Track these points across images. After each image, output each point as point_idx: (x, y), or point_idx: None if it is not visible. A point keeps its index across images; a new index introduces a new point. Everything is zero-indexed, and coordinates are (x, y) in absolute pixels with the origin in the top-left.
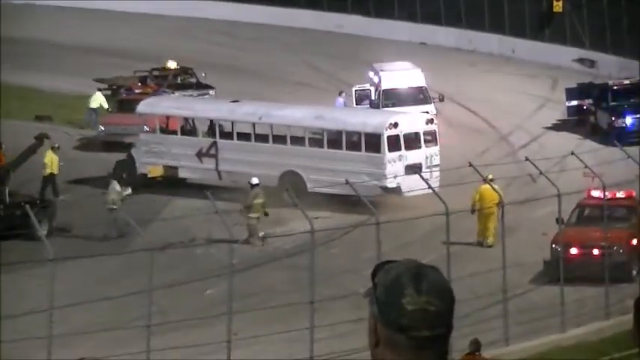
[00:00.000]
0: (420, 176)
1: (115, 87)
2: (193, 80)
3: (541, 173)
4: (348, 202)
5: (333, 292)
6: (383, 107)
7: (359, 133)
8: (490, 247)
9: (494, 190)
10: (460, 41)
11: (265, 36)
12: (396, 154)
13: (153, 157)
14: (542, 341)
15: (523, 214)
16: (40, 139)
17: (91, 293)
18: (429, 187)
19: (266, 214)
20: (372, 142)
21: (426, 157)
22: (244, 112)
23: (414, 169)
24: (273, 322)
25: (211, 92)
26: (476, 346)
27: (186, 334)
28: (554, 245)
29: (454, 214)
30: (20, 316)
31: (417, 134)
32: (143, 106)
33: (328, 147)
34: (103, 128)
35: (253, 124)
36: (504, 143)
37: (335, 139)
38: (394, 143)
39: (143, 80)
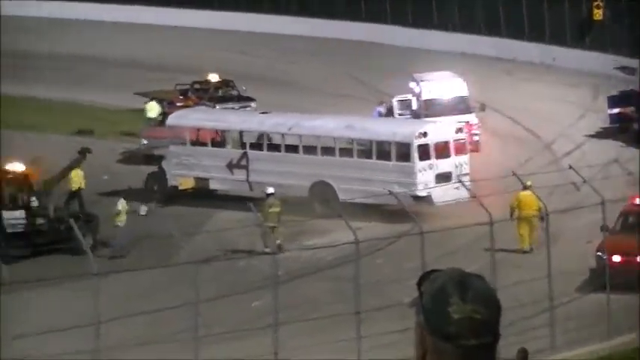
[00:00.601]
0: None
1: (156, 100)
2: (234, 93)
3: (584, 181)
4: (387, 211)
5: (379, 303)
6: (424, 117)
7: (389, 143)
8: (528, 252)
9: (535, 194)
10: (500, 50)
11: (306, 48)
12: (426, 162)
13: (183, 169)
14: (589, 349)
15: (567, 222)
16: (83, 153)
17: (135, 306)
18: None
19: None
20: (403, 151)
21: (456, 166)
22: (274, 123)
23: (443, 177)
24: (319, 333)
25: (252, 104)
26: (523, 354)
27: (232, 346)
28: (598, 253)
29: (497, 222)
30: (67, 330)
31: (446, 143)
32: (173, 119)
33: (358, 157)
34: (145, 141)
35: (283, 135)
36: (547, 152)
37: (365, 149)
38: (424, 152)
39: (184, 93)
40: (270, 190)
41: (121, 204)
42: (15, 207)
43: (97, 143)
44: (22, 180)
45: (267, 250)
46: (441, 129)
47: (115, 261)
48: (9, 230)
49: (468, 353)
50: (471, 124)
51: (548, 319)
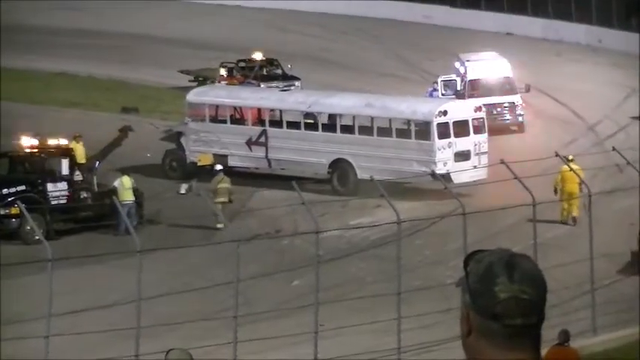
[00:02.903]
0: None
1: (200, 79)
2: (279, 72)
3: (628, 163)
4: (421, 191)
5: (420, 283)
6: (468, 97)
7: (409, 121)
8: (575, 219)
9: (573, 170)
10: (546, 31)
11: (353, 27)
12: (445, 141)
13: (202, 145)
14: (630, 331)
15: (610, 204)
16: (125, 131)
17: (177, 284)
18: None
19: (230, 201)
20: (422, 129)
21: (475, 144)
22: (294, 101)
23: (462, 156)
24: (360, 313)
25: (297, 84)
26: (565, 336)
27: (272, 325)
28: None
29: (541, 204)
30: (109, 307)
31: (465, 121)
32: (193, 95)
33: (378, 134)
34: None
35: (302, 113)
36: (591, 133)
37: (385, 127)
38: (443, 131)
39: (229, 72)
40: (219, 167)
41: (123, 180)
42: (57, 179)
43: (141, 121)
44: (64, 154)
45: (219, 226)
46: (460, 107)
47: (159, 239)
48: (53, 202)
49: (513, 332)
50: (515, 105)
51: (589, 301)
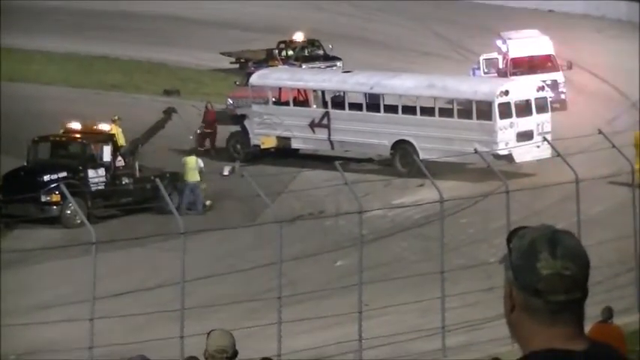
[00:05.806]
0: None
1: (242, 60)
2: (320, 52)
3: None
4: (471, 170)
5: (464, 262)
6: (511, 75)
7: (470, 101)
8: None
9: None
10: (588, 8)
11: (392, 6)
12: (507, 121)
13: (266, 128)
14: None
15: None
16: (168, 113)
17: (221, 266)
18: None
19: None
20: (484, 109)
21: (537, 124)
22: (355, 82)
23: (525, 136)
24: (404, 292)
25: (338, 64)
26: (608, 313)
27: (316, 306)
28: None
29: (583, 181)
30: (153, 289)
31: (528, 101)
32: (255, 78)
33: (439, 115)
34: (231, 101)
35: (365, 94)
36: (634, 110)
37: (446, 108)
38: (505, 111)
39: (270, 53)
40: None
41: (187, 160)
42: (98, 165)
43: (183, 104)
44: (107, 140)
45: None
46: (522, 87)
47: (202, 220)
48: (93, 189)
49: (556, 309)
50: (557, 82)
51: (633, 278)
